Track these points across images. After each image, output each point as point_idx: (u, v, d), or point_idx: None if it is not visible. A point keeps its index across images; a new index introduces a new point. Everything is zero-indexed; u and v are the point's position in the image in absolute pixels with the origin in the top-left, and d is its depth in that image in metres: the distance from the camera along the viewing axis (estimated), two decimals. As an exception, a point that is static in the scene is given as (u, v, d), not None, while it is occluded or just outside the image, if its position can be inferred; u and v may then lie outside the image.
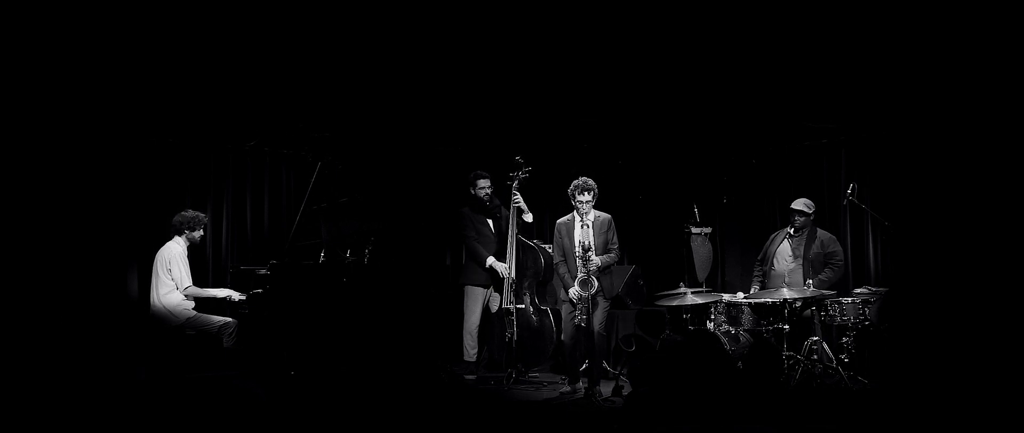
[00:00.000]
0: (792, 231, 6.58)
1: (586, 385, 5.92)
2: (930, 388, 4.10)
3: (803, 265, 6.48)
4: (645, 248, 8.55)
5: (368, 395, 5.73)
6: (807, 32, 5.64)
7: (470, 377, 6.65)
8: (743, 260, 8.05)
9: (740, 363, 5.61)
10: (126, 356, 3.99)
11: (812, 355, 6.06)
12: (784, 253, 6.63)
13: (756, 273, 6.84)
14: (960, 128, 4.25)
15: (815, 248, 6.50)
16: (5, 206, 3.61)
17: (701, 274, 7.48)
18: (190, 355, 5.93)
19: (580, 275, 5.78)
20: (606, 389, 6.03)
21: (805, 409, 5.28)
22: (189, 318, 6.09)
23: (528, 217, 6.62)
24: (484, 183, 6.75)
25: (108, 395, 3.74)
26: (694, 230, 7.60)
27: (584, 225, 5.87)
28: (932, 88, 4.53)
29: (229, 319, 6.15)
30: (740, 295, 6.53)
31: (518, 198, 6.52)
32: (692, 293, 6.28)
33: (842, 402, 5.46)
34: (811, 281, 6.21)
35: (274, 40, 5.72)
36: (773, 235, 6.86)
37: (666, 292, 6.48)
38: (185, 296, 6.15)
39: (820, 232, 6.60)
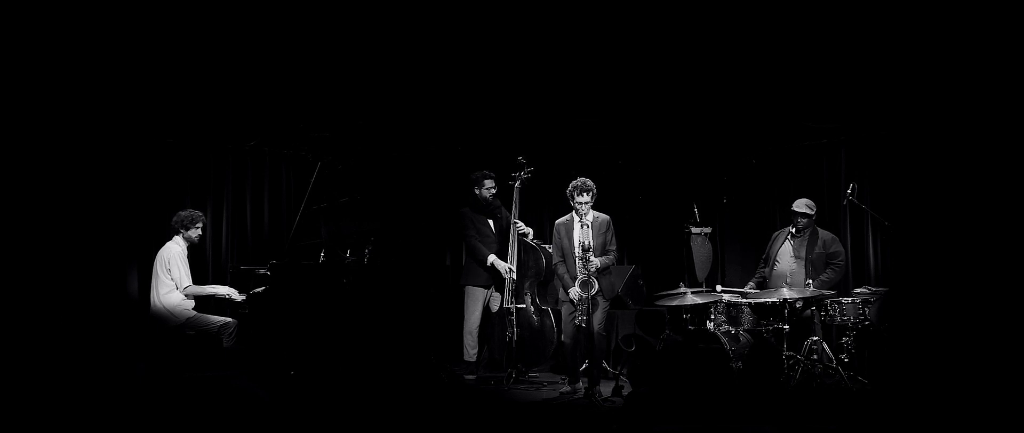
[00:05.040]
0: (794, 232, 6.58)
1: (586, 385, 5.92)
2: (930, 388, 4.09)
3: (805, 265, 6.48)
4: (645, 248, 8.55)
5: (368, 395, 5.73)
6: (807, 32, 5.64)
7: (470, 377, 6.65)
8: (743, 260, 8.04)
9: (740, 363, 5.61)
10: (126, 355, 3.99)
11: (812, 355, 6.05)
12: (786, 253, 6.63)
13: (757, 274, 6.84)
14: (960, 128, 4.25)
15: (817, 248, 6.49)
16: (6, 206, 3.61)
17: (701, 274, 7.47)
18: (190, 355, 5.93)
19: (581, 276, 5.78)
20: (606, 389, 6.02)
21: (805, 409, 5.28)
22: (189, 318, 6.09)
23: (529, 235, 6.63)
24: (490, 183, 6.75)
25: (108, 395, 3.74)
26: (694, 230, 7.60)
27: (583, 225, 5.87)
28: (932, 88, 4.52)
29: (229, 319, 6.16)
30: (718, 287, 6.47)
31: (521, 226, 6.55)
32: (692, 293, 6.27)
33: (842, 402, 5.46)
34: (812, 281, 6.21)
35: (274, 40, 5.72)
36: (775, 234, 6.86)
37: (666, 292, 6.47)
38: (185, 295, 6.16)
39: (822, 232, 6.59)
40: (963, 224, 4.11)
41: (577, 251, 5.81)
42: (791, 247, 6.62)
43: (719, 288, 6.41)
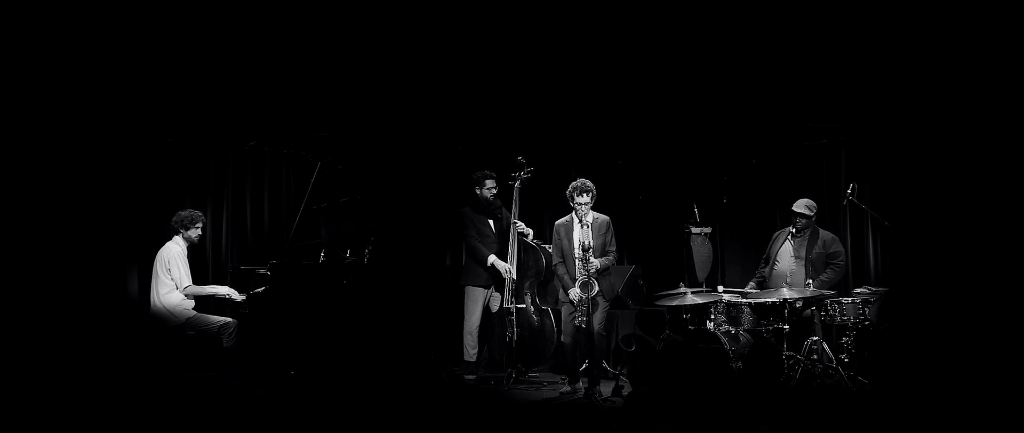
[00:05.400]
0: (794, 232, 6.58)
1: (586, 385, 5.92)
2: (930, 388, 4.09)
3: (805, 265, 6.48)
4: (645, 248, 8.55)
5: (368, 395, 5.73)
6: (807, 32, 5.64)
7: (470, 377, 6.65)
8: (743, 260, 8.04)
9: (740, 363, 5.61)
10: (126, 355, 4.00)
11: (812, 355, 6.05)
12: (786, 253, 6.63)
13: (758, 274, 6.84)
14: (960, 128, 4.25)
15: (817, 248, 6.50)
16: (6, 206, 3.61)
17: (701, 274, 7.47)
18: (190, 355, 5.93)
19: (581, 278, 5.78)
20: (606, 389, 6.02)
21: (805, 409, 5.28)
22: (189, 318, 6.09)
23: (529, 236, 6.64)
24: (491, 183, 6.75)
25: (108, 395, 3.74)
26: (694, 230, 7.60)
27: (583, 226, 5.87)
28: (932, 88, 4.53)
29: (229, 319, 6.16)
30: (720, 288, 6.48)
31: (521, 226, 6.55)
32: (692, 293, 6.27)
33: (842, 402, 5.46)
34: (812, 281, 6.21)
35: (274, 40, 5.72)
36: (776, 234, 6.86)
37: (666, 292, 6.47)
38: (185, 295, 6.15)
39: (822, 232, 6.59)
40: (963, 224, 4.11)
41: (577, 252, 5.81)
42: (791, 247, 6.62)
43: (721, 289, 6.41)
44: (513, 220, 6.59)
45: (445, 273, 8.38)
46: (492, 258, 6.60)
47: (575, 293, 5.83)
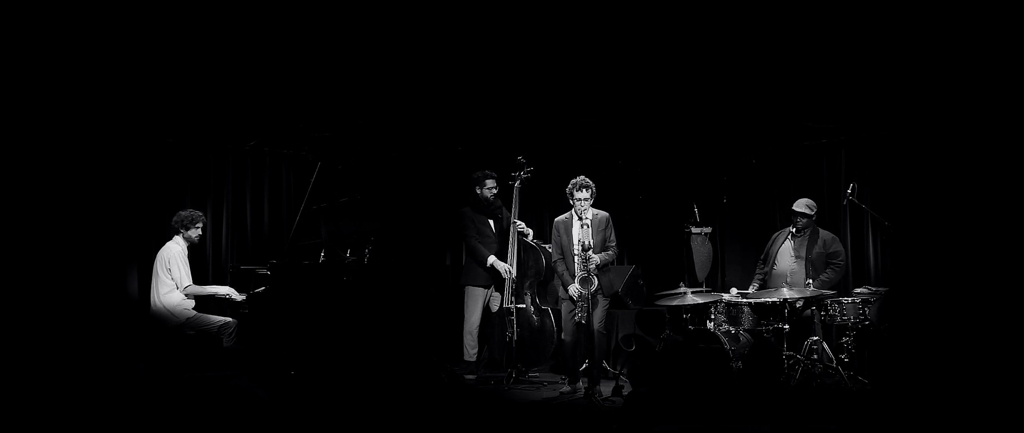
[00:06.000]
0: (794, 231, 6.59)
1: (586, 385, 5.93)
2: (930, 388, 4.10)
3: (805, 265, 6.48)
4: (645, 248, 8.56)
5: (368, 395, 5.73)
6: (807, 32, 5.64)
7: (470, 377, 6.65)
8: (743, 260, 8.04)
9: (740, 363, 5.61)
10: (126, 355, 4.00)
11: (812, 355, 6.06)
12: (786, 253, 6.63)
13: (758, 273, 6.84)
14: (960, 128, 4.25)
15: (817, 248, 6.50)
16: (6, 206, 3.61)
17: (701, 274, 7.48)
18: (190, 355, 5.93)
19: (580, 274, 5.79)
20: (606, 389, 6.02)
21: (805, 409, 5.28)
22: (189, 318, 6.09)
23: (529, 235, 6.64)
24: (492, 183, 6.74)
25: (108, 395, 3.74)
26: (694, 230, 7.60)
27: (583, 224, 5.88)
28: (932, 88, 4.53)
29: (229, 319, 6.16)
30: (734, 291, 6.50)
31: (521, 226, 6.55)
32: (692, 293, 6.28)
33: (842, 402, 5.47)
34: (812, 281, 6.21)
35: (274, 40, 5.73)
36: (775, 234, 6.86)
37: (666, 292, 6.48)
38: (185, 295, 6.15)
39: (822, 232, 6.60)
40: (963, 224, 4.11)
41: (576, 249, 5.81)
42: (791, 247, 6.63)
43: (734, 291, 6.41)
44: (513, 220, 6.59)
45: (445, 273, 8.39)
46: (492, 258, 6.60)
47: (575, 289, 5.83)
